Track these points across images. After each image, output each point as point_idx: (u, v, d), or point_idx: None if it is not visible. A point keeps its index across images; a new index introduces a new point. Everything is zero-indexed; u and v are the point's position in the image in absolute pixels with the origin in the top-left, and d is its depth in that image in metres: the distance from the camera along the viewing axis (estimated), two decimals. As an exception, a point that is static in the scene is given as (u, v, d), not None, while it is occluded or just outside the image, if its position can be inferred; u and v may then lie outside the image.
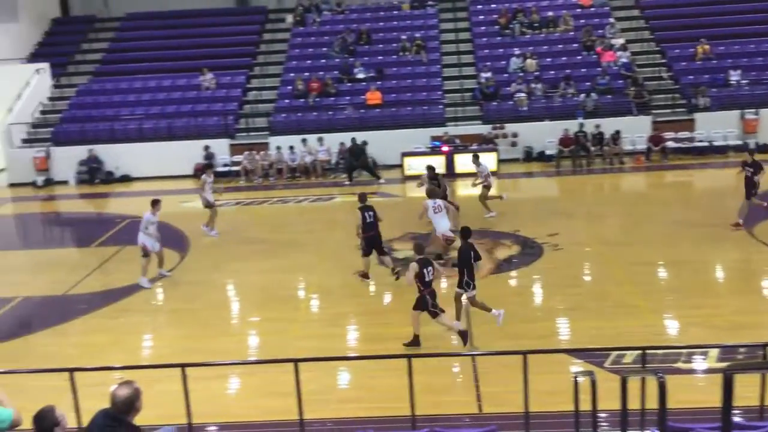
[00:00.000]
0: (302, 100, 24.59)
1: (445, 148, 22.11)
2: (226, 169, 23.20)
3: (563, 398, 7.94)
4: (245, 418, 8.93)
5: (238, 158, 23.10)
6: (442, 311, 10.46)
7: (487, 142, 22.70)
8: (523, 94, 23.74)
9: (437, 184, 15.04)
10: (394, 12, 28.82)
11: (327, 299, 13.11)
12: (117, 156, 23.46)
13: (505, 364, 8.86)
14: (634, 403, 6.89)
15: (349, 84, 25.24)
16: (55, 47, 28.57)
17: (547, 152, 22.82)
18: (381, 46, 26.97)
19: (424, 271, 10.37)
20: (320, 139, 22.86)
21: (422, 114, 23.77)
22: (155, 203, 14.08)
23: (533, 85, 24.06)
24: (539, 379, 7.98)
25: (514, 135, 23.14)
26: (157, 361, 10.31)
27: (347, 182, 21.68)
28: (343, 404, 9.28)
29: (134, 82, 26.33)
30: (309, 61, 26.44)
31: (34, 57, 27.57)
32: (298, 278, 14.29)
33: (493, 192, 17.71)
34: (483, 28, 27.32)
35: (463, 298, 11.02)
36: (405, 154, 22.13)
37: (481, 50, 26.25)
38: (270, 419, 8.78)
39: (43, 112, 25.56)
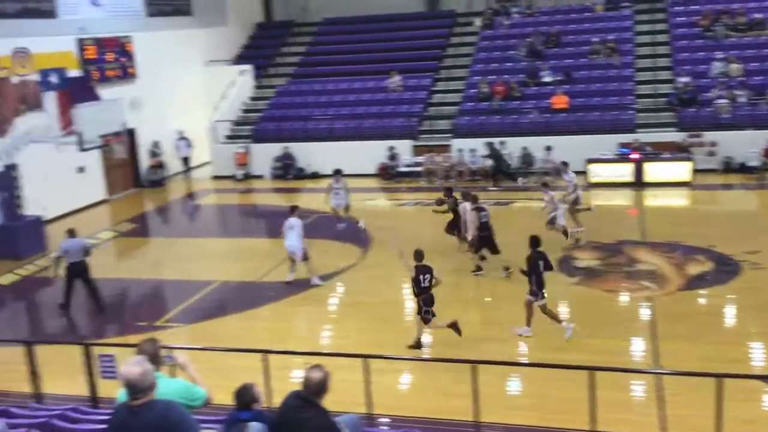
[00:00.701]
0: (486, 103, 24.56)
1: (634, 156, 21.16)
2: (408, 169, 23.70)
3: (760, 428, 7.36)
4: (420, 414, 9.09)
5: (420, 159, 23.53)
6: (434, 315, 10.98)
7: (681, 151, 21.43)
8: (724, 101, 22.15)
9: (454, 201, 15.62)
10: (587, 14, 27.98)
11: (504, 304, 13.01)
12: (308, 154, 24.72)
13: (693, 386, 8.36)
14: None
15: (535, 88, 24.86)
16: (259, 50, 30.61)
17: (750, 163, 21.12)
18: (570, 48, 26.29)
19: (421, 277, 10.94)
20: (502, 143, 22.71)
21: (611, 119, 22.88)
22: (295, 209, 14.99)
23: (736, 92, 22.36)
24: (732, 406, 7.43)
25: (713, 144, 21.63)
26: (337, 351, 10.76)
27: (521, 183, 21.55)
28: (517, 411, 9.19)
29: (327, 84, 27.59)
30: (495, 65, 26.35)
31: (240, 59, 29.69)
32: (476, 280, 14.29)
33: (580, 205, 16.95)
34: (683, 30, 25.79)
35: (535, 305, 11.13)
36: (590, 161, 21.42)
37: (679, 53, 24.80)
38: (444, 417, 8.86)
39: (245, 111, 27.48)
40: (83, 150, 17.54)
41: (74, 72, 21.32)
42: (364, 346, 10.50)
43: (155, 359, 5.17)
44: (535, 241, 11.37)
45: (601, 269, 14.32)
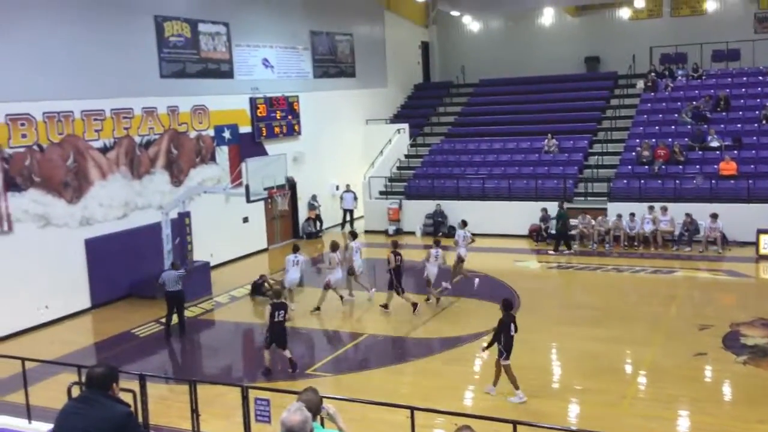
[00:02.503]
0: (646, 167, 23.71)
1: (812, 228, 19.59)
2: (562, 232, 23.17)
3: None
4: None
5: (573, 222, 22.96)
6: (267, 348, 13.16)
7: None
8: None
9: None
10: (759, 77, 26.57)
11: (660, 378, 12.29)
12: (460, 212, 24.80)
13: None
14: None
15: (700, 152, 23.75)
16: (415, 110, 31.49)
17: None
18: (741, 113, 24.98)
19: (276, 312, 12.93)
20: (664, 209, 21.77)
21: (785, 188, 21.39)
22: (298, 248, 17.64)
23: None
24: None
25: None
26: (480, 413, 10.58)
27: (555, 251, 21.64)
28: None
29: (481, 143, 27.79)
30: (656, 128, 25.49)
31: (397, 118, 30.65)
32: (628, 351, 13.64)
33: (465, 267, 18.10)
34: None
35: (502, 363, 11.41)
36: (761, 231, 20.03)
37: None
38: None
39: (399, 168, 28.20)
40: (250, 202, 18.64)
41: (245, 128, 22.89)
42: (511, 411, 10.29)
43: (315, 408, 5.29)
44: (507, 305, 11.66)
45: (771, 349, 13.24)
